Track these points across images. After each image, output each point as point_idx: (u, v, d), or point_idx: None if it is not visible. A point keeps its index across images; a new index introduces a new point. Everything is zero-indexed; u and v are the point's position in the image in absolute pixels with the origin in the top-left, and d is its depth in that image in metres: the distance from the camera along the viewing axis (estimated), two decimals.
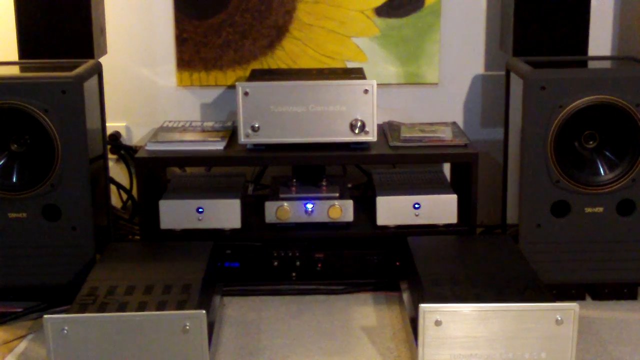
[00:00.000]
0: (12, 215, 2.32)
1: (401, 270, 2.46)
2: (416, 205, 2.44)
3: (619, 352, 2.11)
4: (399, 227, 2.46)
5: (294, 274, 2.48)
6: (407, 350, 2.11)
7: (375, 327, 2.25)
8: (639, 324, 2.26)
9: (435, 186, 2.54)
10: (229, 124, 2.70)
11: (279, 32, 2.81)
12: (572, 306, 1.92)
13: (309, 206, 2.44)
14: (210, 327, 2.05)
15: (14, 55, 2.53)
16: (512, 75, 2.51)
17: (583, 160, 2.36)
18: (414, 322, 2.08)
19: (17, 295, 2.38)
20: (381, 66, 2.83)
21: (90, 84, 2.38)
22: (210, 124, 2.70)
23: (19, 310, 2.33)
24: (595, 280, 2.40)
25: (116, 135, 2.86)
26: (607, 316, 2.31)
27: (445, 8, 2.81)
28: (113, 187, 2.82)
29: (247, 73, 2.79)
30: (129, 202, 2.89)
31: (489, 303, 1.94)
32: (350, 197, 2.47)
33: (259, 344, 2.17)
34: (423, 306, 1.93)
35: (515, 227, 2.44)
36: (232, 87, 2.83)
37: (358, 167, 2.86)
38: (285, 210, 2.43)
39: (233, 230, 2.46)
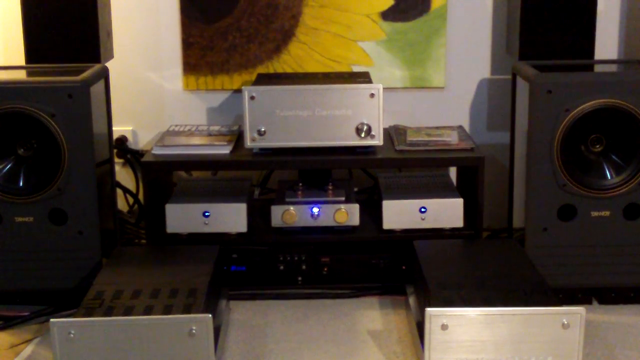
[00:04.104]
0: (19, 219, 2.33)
1: (407, 274, 2.46)
2: (422, 209, 2.44)
3: (625, 356, 2.11)
4: (405, 231, 2.46)
5: (300, 278, 2.48)
6: (414, 355, 2.11)
7: (381, 331, 2.25)
8: None
9: (442, 190, 2.54)
10: (235, 128, 2.70)
11: (285, 36, 2.81)
12: (579, 310, 1.92)
13: (315, 210, 2.44)
14: (217, 331, 2.05)
15: (20, 60, 2.54)
16: (519, 79, 2.51)
17: (589, 164, 2.35)
18: (420, 326, 2.07)
19: (23, 299, 2.38)
20: (387, 70, 2.83)
21: (97, 88, 2.39)
22: (216, 128, 2.71)
23: (26, 314, 2.33)
24: (602, 284, 2.39)
25: (122, 140, 2.86)
26: (613, 320, 2.31)
27: (452, 12, 2.81)
28: (119, 191, 2.82)
29: (254, 77, 2.79)
30: (135, 206, 2.89)
31: (495, 307, 1.94)
32: (356, 201, 2.47)
33: (265, 348, 2.17)
34: (429, 310, 1.93)
35: (521, 230, 2.44)
36: (239, 91, 2.83)
37: (364, 171, 2.86)
38: (292, 214, 2.43)
39: (239, 234, 2.46)
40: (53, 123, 2.26)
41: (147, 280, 2.13)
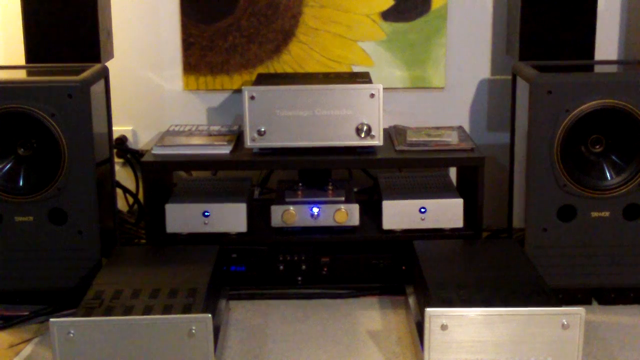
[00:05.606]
0: (19, 219, 2.33)
1: (407, 275, 2.46)
2: (422, 210, 2.44)
3: (624, 357, 2.11)
4: (405, 231, 2.46)
5: (299, 278, 2.48)
6: (413, 355, 2.11)
7: (381, 332, 2.25)
8: None
9: (441, 190, 2.54)
10: (235, 128, 2.70)
11: (286, 36, 2.81)
12: (578, 311, 1.92)
13: (315, 210, 2.44)
14: (216, 331, 2.05)
15: (20, 59, 2.54)
16: (519, 80, 2.51)
17: (589, 165, 2.35)
18: (419, 327, 2.08)
19: (23, 299, 2.38)
20: (387, 70, 2.83)
21: (97, 88, 2.39)
22: (216, 128, 2.71)
23: (25, 313, 2.33)
24: (602, 285, 2.39)
25: (122, 139, 2.86)
26: (613, 321, 2.31)
27: (452, 12, 2.81)
28: (119, 191, 2.82)
29: (254, 77, 2.79)
30: (135, 206, 2.89)
31: (495, 307, 1.94)
32: (356, 201, 2.47)
33: (264, 347, 2.17)
34: (429, 310, 1.93)
35: (521, 231, 2.44)
36: (239, 91, 2.83)
37: (364, 171, 2.86)
38: (291, 214, 2.43)
39: (239, 234, 2.46)
40: (53, 123, 2.26)
41: (147, 280, 2.13)
